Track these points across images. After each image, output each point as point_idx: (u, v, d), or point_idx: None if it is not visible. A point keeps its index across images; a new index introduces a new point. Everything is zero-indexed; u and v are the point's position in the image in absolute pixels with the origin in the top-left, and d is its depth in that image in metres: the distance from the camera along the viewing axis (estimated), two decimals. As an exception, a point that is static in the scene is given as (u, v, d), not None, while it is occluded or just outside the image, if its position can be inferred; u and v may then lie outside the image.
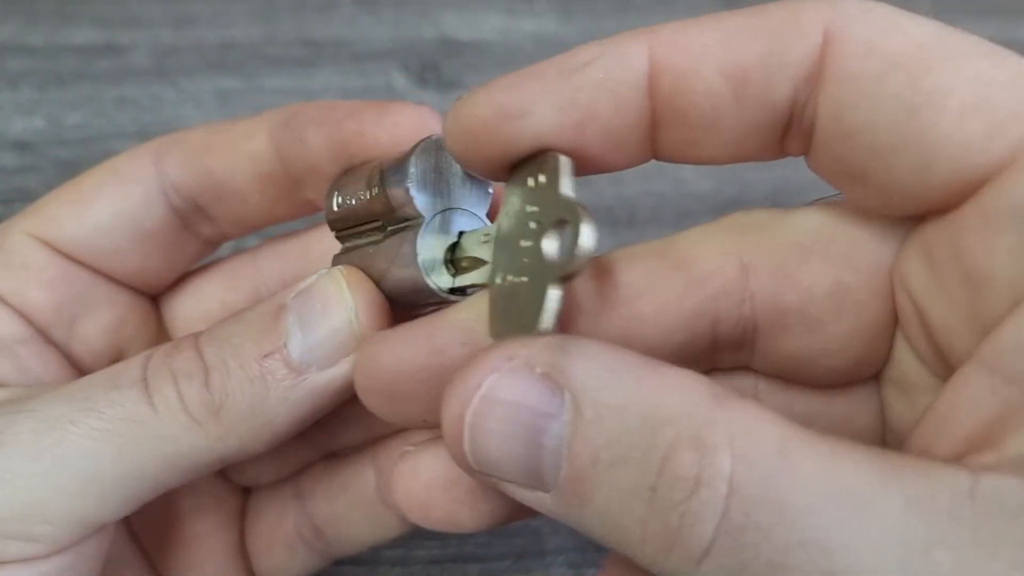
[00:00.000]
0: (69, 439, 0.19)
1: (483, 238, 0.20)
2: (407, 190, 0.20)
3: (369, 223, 0.22)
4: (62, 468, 0.19)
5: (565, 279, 0.17)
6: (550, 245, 0.18)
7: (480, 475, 0.17)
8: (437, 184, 0.21)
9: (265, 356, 0.20)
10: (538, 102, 0.18)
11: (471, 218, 0.22)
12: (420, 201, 0.21)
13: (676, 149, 0.19)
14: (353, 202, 0.22)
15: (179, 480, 0.21)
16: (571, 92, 0.18)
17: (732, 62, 0.18)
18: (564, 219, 0.18)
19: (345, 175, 0.23)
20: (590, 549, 0.31)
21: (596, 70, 0.18)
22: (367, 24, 0.49)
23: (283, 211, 0.26)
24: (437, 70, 0.47)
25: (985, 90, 0.16)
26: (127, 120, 0.43)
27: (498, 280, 0.19)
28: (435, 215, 0.21)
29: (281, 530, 0.28)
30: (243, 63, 0.46)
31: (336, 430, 0.28)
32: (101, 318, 0.26)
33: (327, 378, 0.21)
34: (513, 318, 0.18)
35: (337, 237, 0.24)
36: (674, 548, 0.15)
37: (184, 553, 0.27)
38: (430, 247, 0.21)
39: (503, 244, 0.19)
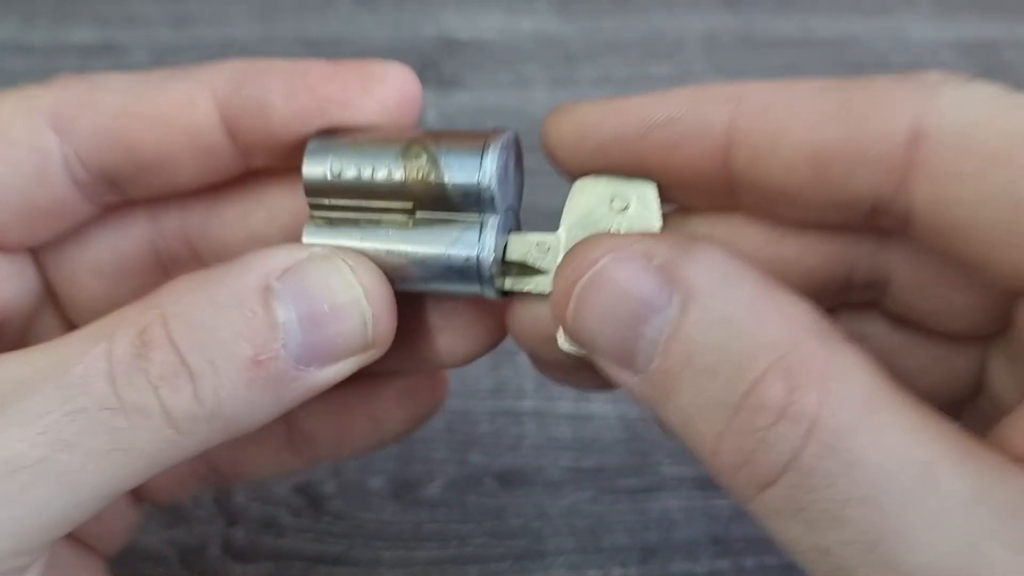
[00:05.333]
0: (39, 484, 0.17)
1: (537, 244, 0.20)
2: (490, 185, 0.19)
3: (386, 200, 0.21)
4: (34, 514, 0.17)
5: None
6: None
7: (575, 343, 0.18)
8: (503, 181, 0.20)
9: (261, 359, 0.18)
10: (616, 151, 0.19)
11: (511, 216, 0.21)
12: (499, 197, 0.20)
13: (757, 209, 0.20)
14: (373, 175, 0.20)
15: (143, 481, 0.19)
16: (647, 151, 0.19)
17: (813, 146, 0.18)
18: None
19: (341, 140, 0.21)
20: (589, 550, 0.31)
21: (673, 133, 0.19)
22: (366, 23, 0.49)
23: (215, 180, 0.23)
24: (437, 69, 0.46)
25: None
26: (126, 119, 0.43)
27: None
28: (503, 212, 0.20)
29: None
30: (242, 62, 0.46)
31: None
32: None
33: (325, 376, 0.19)
34: None
35: (312, 204, 0.21)
36: (743, 469, 0.16)
37: None
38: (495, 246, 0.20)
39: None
